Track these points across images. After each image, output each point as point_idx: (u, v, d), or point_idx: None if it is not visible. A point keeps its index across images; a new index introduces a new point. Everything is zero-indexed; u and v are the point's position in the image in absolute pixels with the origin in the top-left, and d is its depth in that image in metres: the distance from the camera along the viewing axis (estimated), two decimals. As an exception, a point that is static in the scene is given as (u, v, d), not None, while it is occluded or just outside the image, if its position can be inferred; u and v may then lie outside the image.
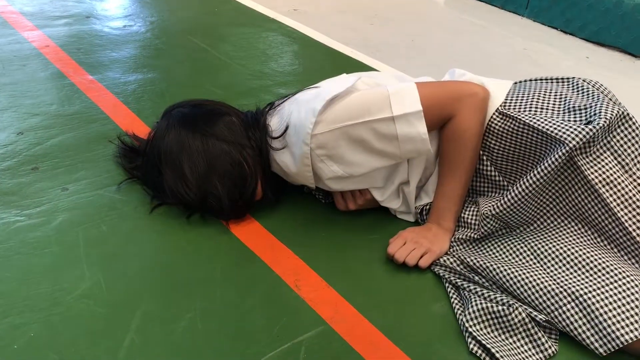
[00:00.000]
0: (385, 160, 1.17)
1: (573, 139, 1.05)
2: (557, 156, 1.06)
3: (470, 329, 1.01)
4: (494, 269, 1.09)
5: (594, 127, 1.05)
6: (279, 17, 2.58)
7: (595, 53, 2.54)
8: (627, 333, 0.95)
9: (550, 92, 1.19)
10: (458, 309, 1.07)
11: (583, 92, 1.18)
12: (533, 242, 1.12)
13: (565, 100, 1.16)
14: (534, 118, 1.12)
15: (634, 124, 1.10)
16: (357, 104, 1.11)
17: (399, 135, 1.11)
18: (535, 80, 1.26)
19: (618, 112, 1.08)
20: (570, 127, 1.07)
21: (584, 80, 1.21)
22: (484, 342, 0.98)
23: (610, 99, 1.15)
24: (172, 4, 2.68)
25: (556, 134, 1.08)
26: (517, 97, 1.19)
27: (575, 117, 1.12)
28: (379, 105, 1.10)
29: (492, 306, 1.02)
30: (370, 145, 1.12)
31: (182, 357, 0.94)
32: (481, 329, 1.01)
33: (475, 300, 1.05)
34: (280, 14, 2.62)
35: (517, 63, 2.37)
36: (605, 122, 1.06)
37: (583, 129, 1.05)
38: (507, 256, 1.13)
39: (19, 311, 1.00)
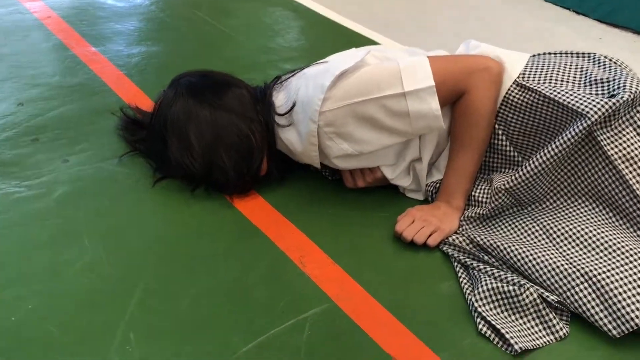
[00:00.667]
0: (396, 138, 1.13)
1: (595, 112, 1.01)
2: (577, 130, 1.03)
3: (479, 309, 0.98)
4: (505, 248, 1.06)
5: (618, 100, 1.01)
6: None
7: (609, 34, 2.49)
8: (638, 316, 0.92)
9: (571, 65, 1.15)
10: (467, 289, 1.04)
11: (605, 66, 1.14)
12: (546, 220, 1.09)
13: (586, 73, 1.12)
14: (554, 90, 1.08)
15: (656, 100, 1.06)
16: (367, 79, 1.07)
17: (410, 111, 1.07)
18: (554, 53, 1.22)
19: (641, 88, 1.05)
20: (593, 100, 1.03)
21: (605, 57, 1.17)
22: (493, 322, 0.95)
23: (634, 76, 1.11)
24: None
25: (577, 106, 1.04)
26: (536, 69, 1.15)
27: (597, 90, 1.08)
28: (390, 81, 1.06)
29: (502, 286, 0.99)
30: (380, 122, 1.09)
31: (185, 332, 0.91)
32: (491, 309, 0.98)
33: (485, 280, 1.02)
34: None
35: (528, 42, 2.32)
36: (630, 95, 1.02)
37: (606, 102, 1.02)
38: (518, 235, 1.10)
39: (18, 283, 0.97)
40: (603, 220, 1.06)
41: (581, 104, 1.04)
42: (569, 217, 1.08)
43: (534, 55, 1.22)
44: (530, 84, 1.12)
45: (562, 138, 1.04)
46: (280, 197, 1.24)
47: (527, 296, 0.97)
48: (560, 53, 1.21)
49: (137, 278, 1.00)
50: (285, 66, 1.83)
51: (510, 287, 0.99)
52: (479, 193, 1.18)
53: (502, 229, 1.13)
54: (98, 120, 1.44)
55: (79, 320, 0.92)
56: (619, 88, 1.04)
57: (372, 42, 2.09)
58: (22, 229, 1.09)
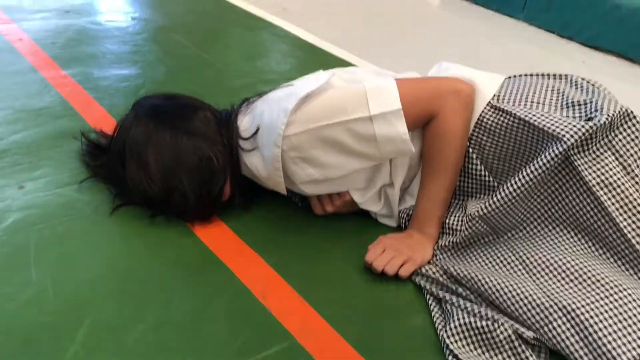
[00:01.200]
0: (364, 162, 1.08)
1: (572, 136, 0.96)
2: (553, 154, 0.98)
3: (451, 346, 0.91)
4: (479, 280, 1.00)
5: (595, 124, 0.96)
6: (267, 17, 2.49)
7: (593, 58, 2.46)
8: (624, 353, 0.86)
9: (547, 87, 1.11)
10: (439, 324, 0.97)
11: (582, 88, 1.09)
12: (522, 250, 1.03)
13: (562, 95, 1.08)
14: (529, 113, 1.03)
15: (638, 122, 1.01)
16: (332, 102, 1.02)
17: (377, 135, 1.02)
18: (530, 75, 1.18)
19: (621, 109, 1.00)
20: (570, 123, 0.98)
21: (582, 78, 1.12)
22: (465, 360, 0.89)
23: (611, 98, 1.07)
24: (157, 0, 2.60)
25: (553, 130, 0.99)
26: (511, 91, 1.11)
27: (574, 113, 1.03)
28: (355, 104, 1.01)
29: (475, 321, 0.93)
30: (347, 146, 1.03)
31: (130, 372, 0.84)
32: (463, 346, 0.92)
33: (458, 315, 0.95)
34: (269, 13, 2.54)
35: (512, 66, 2.28)
36: (607, 119, 0.97)
37: (583, 126, 0.97)
38: (493, 265, 1.04)
39: (-47, 319, 0.90)
40: (582, 249, 1.00)
41: (557, 127, 0.99)
42: (546, 246, 1.02)
43: (509, 77, 1.17)
44: (505, 106, 1.07)
45: (538, 162, 0.99)
46: (245, 225, 1.17)
47: (502, 332, 0.91)
48: (537, 75, 1.17)
49: (83, 312, 0.93)
50: (262, 89, 1.78)
51: (484, 322, 0.92)
52: (453, 220, 1.12)
53: (477, 258, 1.07)
54: (61, 144, 1.37)
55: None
56: (596, 111, 1.00)
57: (351, 65, 2.06)
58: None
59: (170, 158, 1.10)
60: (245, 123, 1.12)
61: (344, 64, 2.07)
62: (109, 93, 1.65)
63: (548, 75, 1.16)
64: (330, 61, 2.10)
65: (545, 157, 0.98)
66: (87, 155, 1.31)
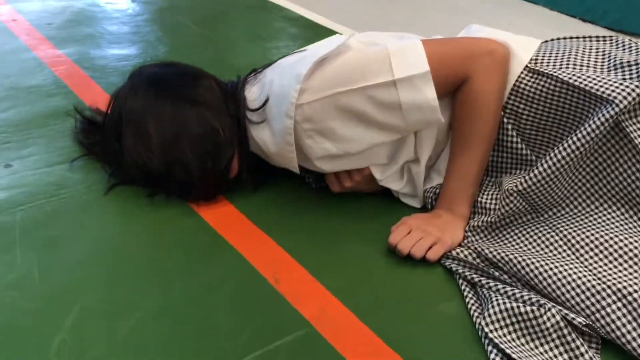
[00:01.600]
0: (387, 135, 0.96)
1: (625, 97, 0.85)
2: (603, 119, 0.86)
3: (490, 335, 0.79)
4: (519, 262, 0.88)
5: (648, 84, 0.85)
6: (274, -1, 2.39)
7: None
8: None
9: (590, 49, 0.99)
10: (475, 310, 0.86)
11: (631, 49, 0.98)
12: (567, 229, 0.91)
13: (609, 56, 0.96)
14: (573, 75, 0.92)
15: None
16: (350, 66, 0.91)
17: (402, 102, 0.90)
18: (570, 38, 1.06)
19: (673, 72, 0.89)
20: (621, 84, 0.87)
21: (629, 39, 1.01)
22: (508, 350, 0.77)
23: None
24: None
25: (602, 92, 0.87)
26: (551, 53, 0.99)
27: (624, 75, 0.91)
28: (377, 67, 0.90)
29: (518, 306, 0.81)
30: (368, 116, 0.92)
31: (124, 364, 0.73)
32: (505, 335, 0.80)
33: (498, 300, 0.84)
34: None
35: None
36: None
37: (637, 86, 0.85)
38: (534, 246, 0.92)
39: None
40: (636, 226, 0.89)
41: (607, 88, 0.87)
42: (595, 225, 0.91)
43: (546, 41, 1.06)
44: (545, 69, 0.95)
45: (585, 129, 0.87)
46: (254, 206, 1.06)
47: (549, 318, 0.79)
48: (577, 37, 1.05)
49: (73, 297, 0.82)
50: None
51: (528, 308, 0.80)
52: (487, 199, 1.01)
53: (514, 239, 0.95)
54: (53, 122, 1.27)
55: (-6, 351, 0.74)
56: (647, 70, 0.88)
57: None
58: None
59: (171, 128, 0.99)
60: (253, 93, 1.01)
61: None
62: (106, 72, 1.54)
63: (590, 37, 1.04)
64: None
65: (595, 122, 0.87)
66: (81, 133, 1.20)
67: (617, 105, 0.85)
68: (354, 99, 0.91)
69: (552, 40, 1.06)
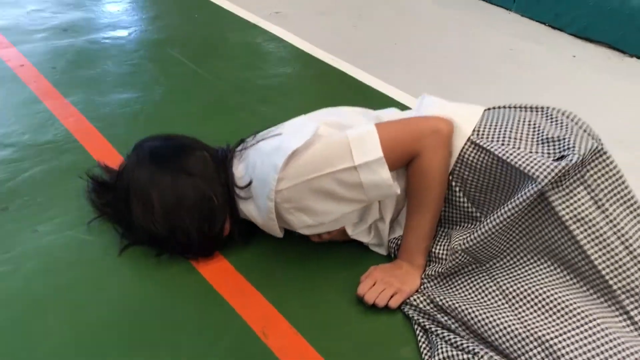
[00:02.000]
0: (354, 205, 1.15)
1: (545, 177, 1.03)
2: (528, 194, 1.05)
3: (436, 378, 1.00)
4: (463, 310, 1.08)
5: (567, 163, 1.03)
6: (260, 22, 2.54)
7: (583, 50, 2.49)
8: (593, 380, 0.94)
9: (524, 121, 1.16)
10: (425, 354, 1.06)
11: (557, 123, 1.15)
12: (502, 281, 1.11)
13: (538, 130, 1.14)
14: (506, 152, 1.10)
15: (608, 158, 1.07)
16: (319, 156, 1.09)
17: (363, 183, 1.09)
18: (508, 107, 1.24)
19: (592, 146, 1.06)
20: (543, 163, 1.05)
21: (557, 111, 1.18)
22: (449, 392, 0.97)
23: (585, 130, 1.13)
24: (150, 11, 2.64)
25: (528, 170, 1.06)
26: (490, 125, 1.17)
27: (548, 149, 1.09)
28: (340, 155, 1.08)
29: (458, 354, 1.01)
30: (337, 194, 1.11)
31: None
32: (447, 378, 1.01)
33: (442, 347, 1.04)
34: (261, 17, 2.58)
35: (502, 64, 2.33)
36: (579, 158, 1.03)
37: (556, 166, 1.03)
38: (476, 295, 1.12)
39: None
40: (557, 279, 1.08)
41: (532, 167, 1.05)
42: (525, 277, 1.10)
43: (488, 109, 1.23)
44: (484, 144, 1.13)
45: (515, 202, 1.06)
46: (245, 260, 1.26)
47: (482, 364, 0.99)
48: (515, 107, 1.23)
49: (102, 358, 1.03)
50: (259, 108, 1.85)
51: (465, 356, 1.00)
52: (439, 249, 1.20)
53: (461, 288, 1.15)
54: (67, 182, 1.44)
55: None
56: (568, 149, 1.06)
57: (346, 76, 2.11)
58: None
59: (172, 198, 1.17)
60: (240, 171, 1.19)
61: (338, 73, 2.14)
62: (109, 122, 1.71)
63: (525, 107, 1.21)
64: (325, 71, 2.16)
65: (522, 195, 1.05)
66: (93, 193, 1.38)
67: (539, 182, 1.03)
68: (324, 182, 1.10)
69: (493, 109, 1.23)
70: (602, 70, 2.32)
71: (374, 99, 1.99)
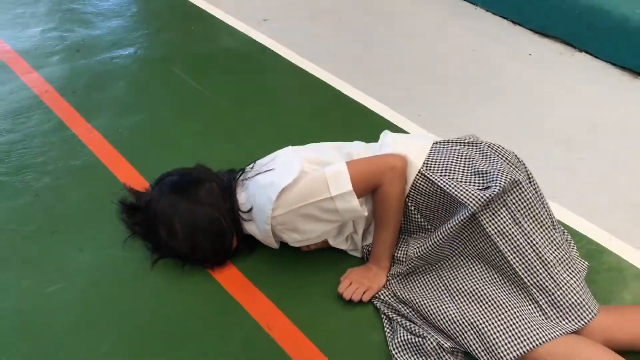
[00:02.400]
0: (332, 225, 1.50)
1: (474, 204, 1.37)
2: (462, 217, 1.39)
3: (396, 356, 1.37)
4: (418, 302, 1.44)
5: (491, 194, 1.36)
6: (250, 32, 2.82)
7: (539, 47, 2.76)
8: (509, 353, 1.30)
9: (462, 155, 1.49)
10: (389, 337, 1.42)
11: (487, 157, 1.48)
12: (447, 279, 1.47)
13: (472, 164, 1.46)
14: (446, 183, 1.43)
15: (523, 186, 1.40)
16: (304, 189, 1.42)
17: (338, 209, 1.43)
18: (451, 142, 1.56)
19: (511, 179, 1.39)
20: (472, 193, 1.38)
21: (489, 147, 1.51)
22: (405, 366, 1.34)
23: (510, 162, 1.46)
24: (150, 25, 2.92)
25: (462, 198, 1.39)
26: (436, 159, 1.50)
27: (478, 181, 1.42)
28: (320, 189, 1.41)
29: (411, 337, 1.38)
30: (319, 217, 1.45)
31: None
32: (403, 355, 1.37)
33: (400, 332, 1.40)
34: (250, 27, 2.85)
35: (466, 68, 2.61)
36: (499, 189, 1.36)
37: (482, 196, 1.37)
38: (427, 290, 1.48)
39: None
40: (487, 278, 1.43)
41: (465, 196, 1.39)
42: (463, 276, 1.45)
43: (436, 143, 1.56)
44: (430, 176, 1.46)
45: (453, 221, 1.41)
46: (250, 267, 1.61)
47: (429, 344, 1.35)
48: (457, 142, 1.55)
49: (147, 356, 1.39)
50: (258, 126, 2.16)
51: (417, 339, 1.37)
52: (400, 254, 1.55)
53: (416, 284, 1.51)
54: (101, 204, 1.76)
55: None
56: (493, 181, 1.39)
57: (331, 88, 2.42)
58: (49, 321, 1.46)
59: (190, 223, 1.52)
60: (242, 198, 1.53)
61: (324, 86, 2.45)
62: (128, 145, 2.04)
63: (464, 143, 1.54)
64: (312, 85, 2.48)
65: (458, 217, 1.40)
66: (123, 213, 1.71)
67: (469, 209, 1.37)
68: (309, 209, 1.43)
69: (440, 143, 1.56)
70: (554, 66, 2.62)
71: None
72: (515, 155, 1.53)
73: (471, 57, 2.68)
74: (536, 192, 1.46)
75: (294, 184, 1.42)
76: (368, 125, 2.19)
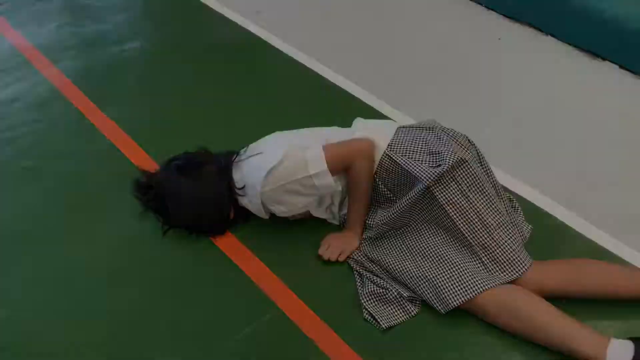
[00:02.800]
0: (312, 197, 1.80)
1: (427, 179, 1.66)
2: (417, 190, 1.69)
3: (364, 304, 1.68)
4: (384, 260, 1.75)
5: (441, 170, 1.65)
6: (245, 23, 3.07)
7: (510, 32, 2.99)
8: (456, 299, 1.61)
9: (420, 139, 1.78)
10: (359, 289, 1.73)
11: (441, 140, 1.76)
12: (408, 240, 1.77)
13: (428, 146, 1.76)
14: (406, 162, 1.72)
15: (469, 164, 1.69)
16: (288, 169, 1.72)
17: (316, 185, 1.73)
18: (413, 127, 1.85)
19: (459, 158, 1.68)
20: (426, 170, 1.67)
21: (443, 131, 1.80)
22: (372, 311, 1.66)
23: (461, 143, 1.75)
24: (154, 17, 3.19)
25: (417, 175, 1.69)
26: (399, 142, 1.79)
27: (432, 160, 1.72)
28: (301, 169, 1.71)
29: (376, 289, 1.69)
30: (300, 192, 1.75)
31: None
32: (370, 303, 1.68)
33: (368, 285, 1.71)
34: (246, 18, 3.11)
35: (439, 58, 2.84)
36: (448, 167, 1.65)
37: (433, 172, 1.66)
38: (392, 251, 1.79)
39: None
40: (441, 239, 1.73)
41: (420, 173, 1.68)
42: (421, 238, 1.75)
43: (400, 127, 1.85)
44: (394, 156, 1.76)
45: (411, 193, 1.71)
46: (246, 235, 1.91)
47: (390, 294, 1.67)
48: (417, 127, 1.84)
49: (163, 312, 1.71)
50: (250, 120, 2.44)
51: (381, 290, 1.68)
52: (370, 221, 1.86)
53: (383, 246, 1.82)
54: (120, 183, 2.04)
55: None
56: (444, 160, 1.68)
57: (323, 79, 2.69)
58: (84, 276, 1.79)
59: (194, 199, 1.83)
60: (237, 177, 1.83)
61: (315, 79, 2.71)
62: (141, 132, 2.33)
63: (423, 127, 1.83)
64: (306, 78, 2.74)
65: (415, 190, 1.70)
66: (137, 191, 2.00)
67: (423, 182, 1.66)
68: (292, 185, 1.73)
69: (404, 128, 1.85)
70: (523, 50, 2.88)
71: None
72: (467, 138, 1.82)
73: (445, 47, 2.90)
74: (483, 168, 1.75)
75: (279, 165, 1.72)
76: (350, 110, 2.43)
